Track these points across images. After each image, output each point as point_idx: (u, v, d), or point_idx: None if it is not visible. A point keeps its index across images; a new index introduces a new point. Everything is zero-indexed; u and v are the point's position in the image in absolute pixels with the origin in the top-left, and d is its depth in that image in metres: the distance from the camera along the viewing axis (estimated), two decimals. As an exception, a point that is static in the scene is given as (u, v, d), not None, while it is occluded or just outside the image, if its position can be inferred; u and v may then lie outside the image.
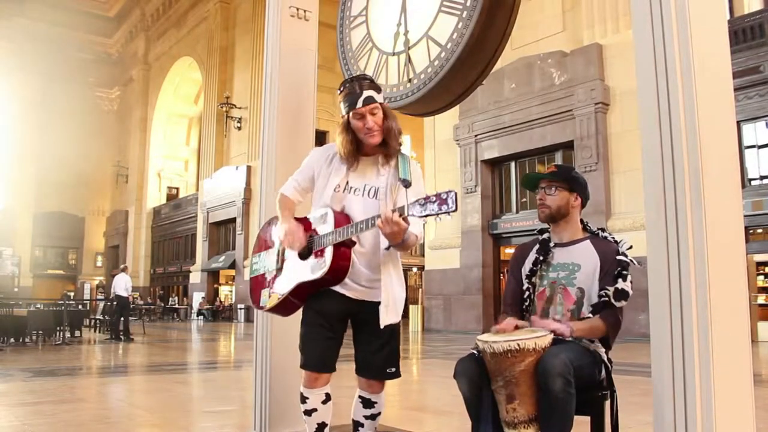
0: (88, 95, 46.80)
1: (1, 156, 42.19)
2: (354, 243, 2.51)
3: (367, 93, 2.53)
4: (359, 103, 2.51)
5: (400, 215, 2.28)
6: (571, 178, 2.65)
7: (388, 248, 2.52)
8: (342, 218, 2.53)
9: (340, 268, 2.49)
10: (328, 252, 2.48)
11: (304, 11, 3.90)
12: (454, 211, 2.16)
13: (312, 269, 2.52)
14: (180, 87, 41.36)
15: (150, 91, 42.63)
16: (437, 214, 2.19)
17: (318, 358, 2.55)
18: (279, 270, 2.68)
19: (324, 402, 2.60)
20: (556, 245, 2.65)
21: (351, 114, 2.54)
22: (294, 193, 2.73)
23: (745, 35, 14.47)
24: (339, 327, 2.60)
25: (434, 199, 2.19)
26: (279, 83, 3.75)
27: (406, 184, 2.43)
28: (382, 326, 2.50)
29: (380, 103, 2.57)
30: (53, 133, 43.67)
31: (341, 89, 2.60)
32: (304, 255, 2.59)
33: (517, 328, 2.41)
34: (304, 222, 2.66)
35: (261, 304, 2.76)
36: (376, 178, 2.59)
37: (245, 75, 30.69)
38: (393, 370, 2.60)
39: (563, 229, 2.65)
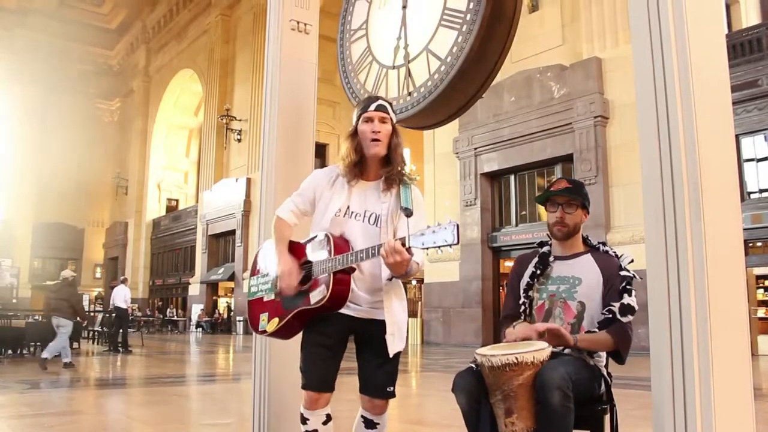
0: (88, 106, 46.95)
1: (1, 167, 42.23)
2: (354, 270, 2.49)
3: (382, 102, 2.60)
4: (371, 107, 2.56)
5: (402, 245, 2.28)
6: (584, 194, 2.64)
7: (390, 279, 2.50)
8: (342, 244, 2.50)
9: (339, 296, 2.46)
10: (328, 279, 2.45)
11: (305, 24, 3.92)
12: (455, 245, 2.16)
13: (312, 296, 2.49)
14: (180, 99, 41.51)
15: (150, 102, 42.76)
16: (438, 247, 2.18)
17: (319, 379, 2.53)
18: (278, 294, 2.65)
19: (324, 423, 2.57)
20: (556, 258, 2.65)
21: (361, 118, 2.56)
22: (291, 216, 2.69)
23: (744, 49, 14.54)
24: (340, 346, 2.58)
25: (436, 230, 2.18)
26: (279, 96, 3.76)
27: (408, 213, 2.42)
28: (391, 354, 2.49)
29: (391, 119, 2.60)
30: (53, 144, 43.79)
31: (359, 101, 2.67)
32: (303, 281, 2.56)
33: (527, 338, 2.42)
34: (299, 249, 2.64)
35: (260, 329, 2.72)
36: (377, 205, 2.57)
37: (245, 87, 30.81)
38: (391, 389, 2.58)
39: (569, 243, 2.65)
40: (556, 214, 2.61)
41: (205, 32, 35.19)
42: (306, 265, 2.58)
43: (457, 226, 2.16)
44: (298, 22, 3.88)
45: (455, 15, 3.30)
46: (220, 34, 33.64)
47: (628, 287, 2.46)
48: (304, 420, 2.58)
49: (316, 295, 2.48)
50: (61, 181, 44.03)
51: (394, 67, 3.70)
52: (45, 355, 10.23)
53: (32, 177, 43.38)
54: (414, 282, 29.57)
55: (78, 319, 11.01)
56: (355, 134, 2.58)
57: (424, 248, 2.23)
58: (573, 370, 2.22)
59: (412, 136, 16.90)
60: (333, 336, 2.54)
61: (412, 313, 22.27)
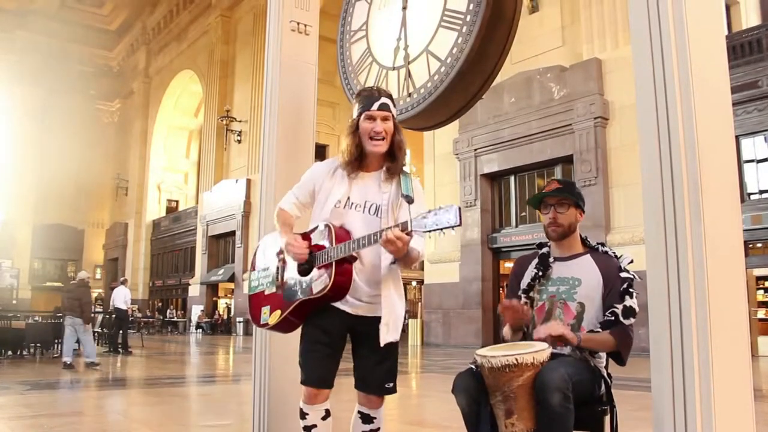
0: (88, 107, 46.98)
1: (1, 168, 42.23)
2: (355, 259, 2.49)
3: (384, 100, 2.55)
4: (374, 106, 2.53)
5: (403, 230, 2.28)
6: (576, 193, 2.65)
7: (393, 263, 2.50)
8: (342, 234, 2.50)
9: (341, 285, 2.46)
10: (330, 268, 2.45)
11: (305, 25, 3.92)
12: (458, 226, 2.16)
13: (313, 286, 2.49)
14: (180, 100, 41.52)
15: (150, 103, 42.78)
16: (441, 229, 2.18)
17: (318, 375, 2.53)
18: (279, 287, 2.65)
19: (324, 418, 2.58)
20: (556, 259, 2.65)
21: (363, 115, 2.54)
22: (293, 207, 2.70)
23: (743, 50, 14.55)
24: (339, 343, 2.58)
25: (437, 213, 2.19)
26: (279, 97, 3.76)
27: (409, 200, 2.42)
28: (382, 344, 2.47)
29: (393, 116, 2.59)
30: (53, 145, 43.81)
31: (359, 93, 2.63)
32: (304, 271, 2.56)
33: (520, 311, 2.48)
34: (305, 237, 2.64)
35: (262, 322, 2.72)
36: (378, 195, 2.56)
37: (245, 88, 30.82)
38: (390, 385, 2.58)
39: (567, 244, 2.65)
40: (549, 215, 2.63)
41: (205, 33, 35.20)
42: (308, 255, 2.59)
43: (459, 208, 2.16)
44: (298, 23, 3.89)
45: (455, 16, 3.30)
46: (221, 35, 33.66)
47: (629, 289, 2.46)
48: (303, 415, 2.58)
49: (318, 285, 2.47)
50: (61, 182, 44.01)
51: (394, 68, 3.70)
52: (90, 360, 10.90)
53: (32, 178, 43.40)
54: (414, 283, 29.58)
55: (82, 320, 11.30)
56: (356, 130, 2.57)
57: (427, 231, 2.23)
58: (573, 371, 2.23)
59: (412, 137, 16.76)
60: (332, 333, 2.54)
61: (412, 314, 22.26)
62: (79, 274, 12.38)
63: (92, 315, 19.69)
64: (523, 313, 2.50)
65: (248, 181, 29.31)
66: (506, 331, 2.63)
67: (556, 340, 2.38)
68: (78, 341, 11.35)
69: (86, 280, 11.83)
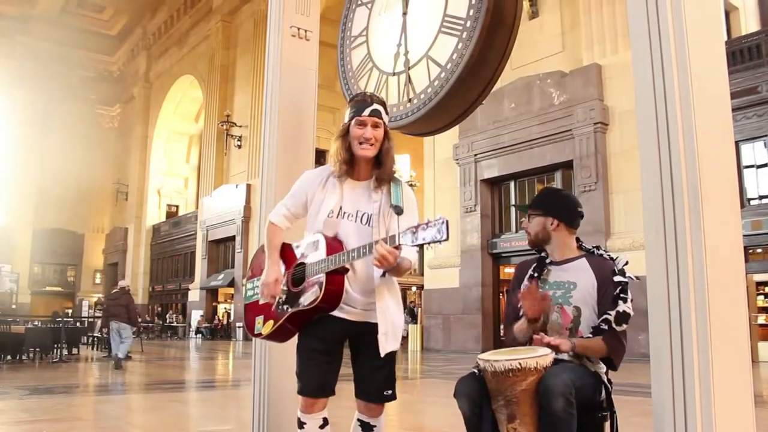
0: (89, 112, 46.99)
1: (2, 172, 42.24)
2: (347, 270, 2.48)
3: (376, 106, 2.57)
4: (366, 112, 2.54)
5: (391, 244, 2.28)
6: (543, 203, 2.70)
7: (383, 275, 2.49)
8: (335, 244, 2.50)
9: (333, 296, 2.46)
10: (321, 280, 2.46)
11: (305, 31, 3.93)
12: (445, 240, 2.14)
13: (305, 297, 2.50)
14: (181, 105, 41.52)
15: (151, 108, 42.79)
16: (429, 243, 2.17)
17: (314, 384, 2.52)
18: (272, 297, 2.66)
19: (321, 427, 2.56)
20: (553, 263, 2.67)
21: (354, 120, 2.55)
22: (283, 220, 2.70)
23: (743, 56, 14.57)
24: (336, 350, 2.57)
25: (425, 227, 2.17)
26: (279, 102, 3.76)
27: (398, 211, 2.43)
28: (382, 354, 2.46)
29: (384, 123, 2.59)
30: (54, 150, 43.83)
31: (352, 99, 2.66)
32: (297, 282, 2.57)
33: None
34: (290, 253, 2.64)
35: (255, 332, 2.73)
36: (369, 204, 2.56)
37: (246, 93, 30.83)
38: (389, 392, 2.56)
39: (553, 249, 2.69)
40: (522, 224, 2.72)
41: (205, 38, 35.24)
42: (299, 267, 2.58)
43: (447, 222, 2.14)
44: (298, 29, 3.89)
45: (455, 22, 3.31)
46: (221, 41, 33.68)
47: (622, 295, 2.46)
48: (301, 424, 2.57)
49: (309, 296, 2.48)
50: (61, 186, 44.02)
51: (394, 74, 3.71)
52: (120, 356, 11.77)
53: (32, 182, 43.42)
54: (414, 288, 29.53)
55: (131, 324, 12.55)
56: (346, 134, 2.58)
57: (414, 245, 2.23)
58: (576, 377, 2.23)
59: (411, 142, 16.88)
60: (328, 340, 2.54)
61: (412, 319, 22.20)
62: (120, 282, 13.89)
63: (91, 319, 19.77)
64: (542, 298, 2.50)
65: (248, 186, 29.31)
66: (520, 324, 2.61)
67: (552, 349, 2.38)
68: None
69: (127, 288, 13.21)
